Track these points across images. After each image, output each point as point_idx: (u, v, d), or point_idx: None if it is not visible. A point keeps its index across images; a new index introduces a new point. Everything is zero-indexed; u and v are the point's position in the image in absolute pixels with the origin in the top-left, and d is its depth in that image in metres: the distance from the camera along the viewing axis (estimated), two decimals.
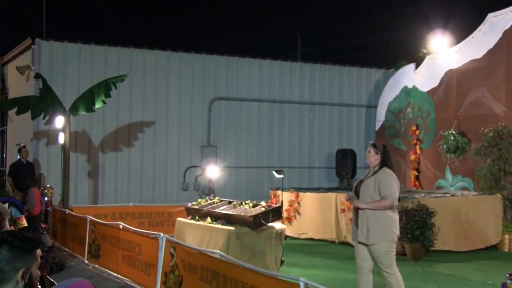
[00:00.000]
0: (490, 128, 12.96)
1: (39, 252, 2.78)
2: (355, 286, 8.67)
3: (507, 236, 11.77)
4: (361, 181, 6.97)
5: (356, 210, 6.88)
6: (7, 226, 3.97)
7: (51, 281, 4.07)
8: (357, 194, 6.91)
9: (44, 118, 13.44)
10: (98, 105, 13.04)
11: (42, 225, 10.09)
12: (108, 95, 13.01)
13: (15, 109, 13.32)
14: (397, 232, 6.80)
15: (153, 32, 47.27)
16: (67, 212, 12.25)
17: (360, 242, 6.80)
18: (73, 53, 15.45)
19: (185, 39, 44.93)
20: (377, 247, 6.67)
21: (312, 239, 12.90)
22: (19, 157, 14.18)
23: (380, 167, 6.83)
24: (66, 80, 15.24)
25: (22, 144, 15.25)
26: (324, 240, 12.63)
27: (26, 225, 7.48)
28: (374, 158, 6.86)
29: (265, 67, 17.73)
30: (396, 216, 6.81)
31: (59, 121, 12.95)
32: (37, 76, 13.53)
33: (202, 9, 55.33)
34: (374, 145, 6.96)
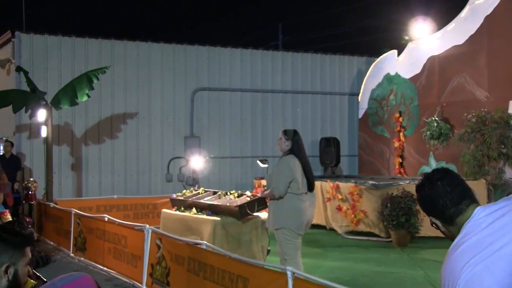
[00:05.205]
0: (473, 114, 13.02)
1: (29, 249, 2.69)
2: (341, 273, 8.72)
3: None
4: None
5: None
6: None
7: (37, 275, 4.02)
8: None
9: (26, 111, 13.32)
10: (81, 98, 12.92)
11: (27, 219, 10.00)
12: (91, 88, 12.91)
13: None
14: (298, 222, 6.79)
15: (132, 24, 46.92)
16: (51, 206, 12.16)
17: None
18: (53, 46, 15.29)
19: (166, 30, 44.68)
20: (276, 232, 6.89)
21: None
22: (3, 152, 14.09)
23: (287, 154, 6.95)
24: (48, 72, 15.09)
25: (4, 138, 15.09)
26: (314, 225, 12.64)
27: (10, 219, 7.42)
28: (285, 145, 7.03)
29: (247, 56, 17.67)
30: (300, 206, 6.81)
31: (41, 114, 12.84)
32: (18, 69, 13.41)
33: None
34: (284, 132, 7.12)
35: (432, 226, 2.66)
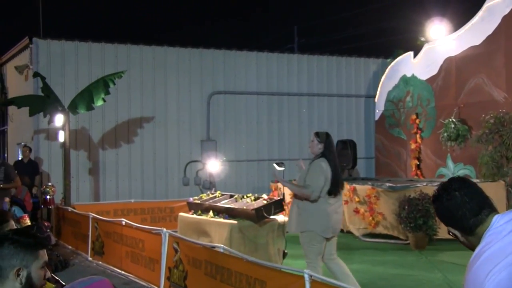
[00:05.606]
0: (491, 115, 12.91)
1: (44, 252, 2.67)
2: (359, 276, 8.67)
3: None
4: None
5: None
6: (13, 226, 3.94)
7: (56, 278, 4.05)
8: None
9: (45, 116, 13.47)
10: (98, 103, 13.04)
11: (45, 224, 10.08)
12: (107, 93, 13.01)
13: (15, 110, 13.34)
14: (324, 225, 6.68)
15: (147, 27, 47.14)
16: (69, 210, 12.25)
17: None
18: (70, 51, 15.41)
19: (181, 33, 44.81)
20: (301, 235, 6.82)
21: None
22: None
23: (319, 157, 6.80)
24: (65, 78, 15.21)
25: (23, 143, 15.27)
26: None
27: (29, 223, 7.48)
28: (317, 148, 6.84)
29: (263, 59, 17.68)
30: (328, 209, 6.70)
31: (59, 119, 12.96)
32: (36, 75, 13.54)
33: (197, 2, 55.19)
34: (317, 134, 6.93)
35: (450, 235, 2.62)
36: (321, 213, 6.70)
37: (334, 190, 6.77)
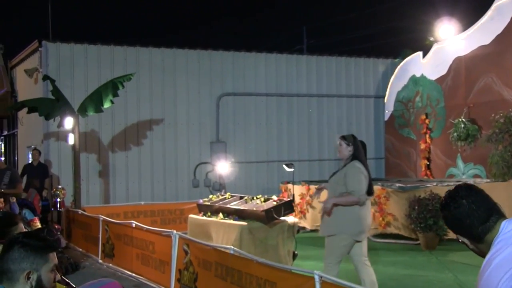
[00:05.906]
0: (501, 114, 12.86)
1: (54, 255, 2.68)
2: None
3: None
4: (333, 174, 6.88)
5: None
6: (23, 229, 3.96)
7: (66, 281, 4.06)
8: None
9: (51, 119, 13.50)
10: (106, 105, 13.08)
11: (56, 226, 10.13)
12: (116, 95, 13.05)
13: (25, 113, 13.38)
14: (358, 228, 6.55)
15: (155, 28, 47.28)
16: (79, 213, 12.29)
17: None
18: (80, 54, 15.48)
19: (188, 34, 44.90)
20: (331, 237, 6.64)
21: None
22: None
23: (351, 160, 6.69)
24: (74, 81, 15.27)
25: (32, 146, 15.34)
26: None
27: (39, 226, 7.51)
28: (347, 151, 6.71)
29: (272, 61, 17.68)
30: (361, 212, 6.57)
31: (68, 122, 13.00)
32: (45, 78, 13.59)
33: (205, 3, 55.31)
34: (344, 137, 6.82)
35: (459, 242, 2.61)
36: (354, 216, 6.57)
37: (369, 191, 6.69)
